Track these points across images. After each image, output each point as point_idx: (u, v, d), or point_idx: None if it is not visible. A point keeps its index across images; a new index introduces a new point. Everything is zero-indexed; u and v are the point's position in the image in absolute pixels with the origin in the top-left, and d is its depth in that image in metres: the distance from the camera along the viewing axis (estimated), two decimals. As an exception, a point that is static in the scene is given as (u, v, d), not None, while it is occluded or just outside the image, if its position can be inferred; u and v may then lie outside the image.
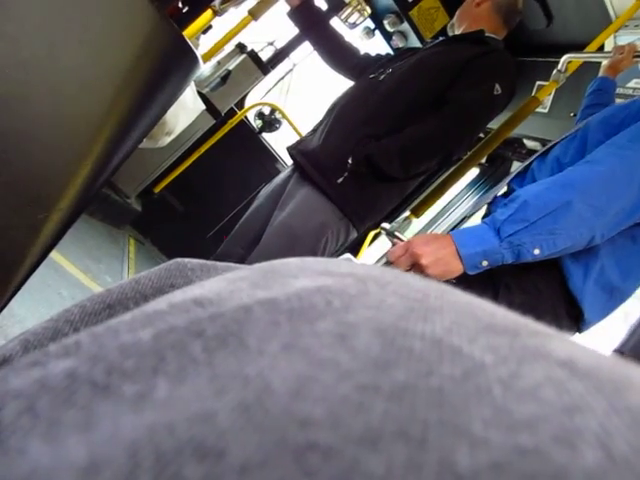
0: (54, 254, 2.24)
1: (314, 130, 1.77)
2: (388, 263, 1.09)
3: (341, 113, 1.68)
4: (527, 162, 1.33)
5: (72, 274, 2.41)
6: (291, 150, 1.75)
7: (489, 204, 1.32)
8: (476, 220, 1.42)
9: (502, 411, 0.13)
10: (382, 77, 1.69)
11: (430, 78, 1.61)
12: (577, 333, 1.18)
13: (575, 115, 2.46)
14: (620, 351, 0.76)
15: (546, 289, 1.11)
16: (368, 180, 1.59)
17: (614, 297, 1.14)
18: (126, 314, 0.19)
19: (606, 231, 1.03)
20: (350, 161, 1.55)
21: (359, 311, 0.17)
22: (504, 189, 1.33)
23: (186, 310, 0.18)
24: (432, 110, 1.58)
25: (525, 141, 3.11)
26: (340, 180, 1.57)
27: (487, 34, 1.73)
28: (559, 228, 1.00)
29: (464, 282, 1.02)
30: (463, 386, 0.14)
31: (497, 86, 1.57)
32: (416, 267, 1.03)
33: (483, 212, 1.39)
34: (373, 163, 1.54)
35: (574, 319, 1.14)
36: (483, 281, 1.07)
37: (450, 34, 1.89)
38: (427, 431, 0.12)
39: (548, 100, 2.71)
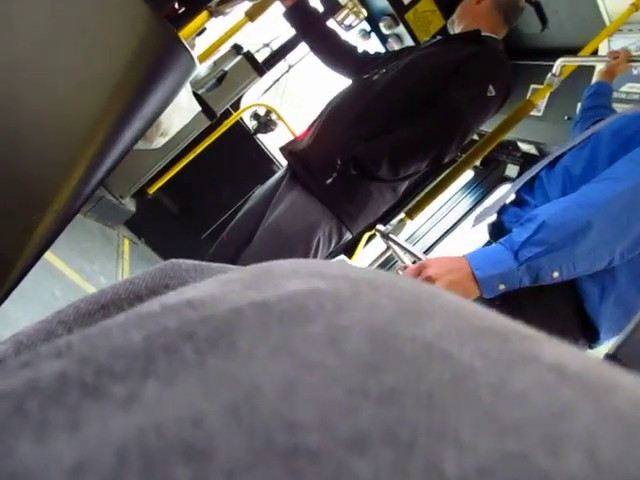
0: (48, 255, 2.23)
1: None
2: (382, 266, 1.08)
3: (332, 113, 1.68)
4: (534, 171, 1.29)
5: (66, 275, 2.40)
6: (282, 151, 1.75)
7: (498, 213, 1.29)
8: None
9: (490, 416, 0.13)
10: (375, 77, 1.68)
11: (423, 78, 1.59)
12: (588, 349, 1.16)
13: (569, 119, 2.48)
14: (613, 355, 0.76)
15: (561, 309, 1.08)
16: (358, 180, 1.58)
17: (629, 314, 1.09)
18: (119, 315, 0.19)
19: (626, 252, 1.00)
20: (339, 161, 1.54)
21: (351, 314, 0.17)
22: (512, 197, 1.30)
23: (178, 312, 0.18)
24: (425, 110, 1.56)
25: (519, 144, 3.13)
26: (329, 181, 1.56)
27: (484, 33, 1.70)
28: (579, 250, 0.96)
29: (477, 299, 0.99)
30: (452, 390, 0.14)
31: (491, 87, 1.55)
32: None
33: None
34: (361, 164, 1.52)
35: (588, 337, 1.12)
36: (495, 297, 1.02)
37: (450, 31, 1.88)
38: (415, 435, 0.12)
39: (542, 103, 2.72)
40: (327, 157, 1.57)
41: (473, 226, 1.36)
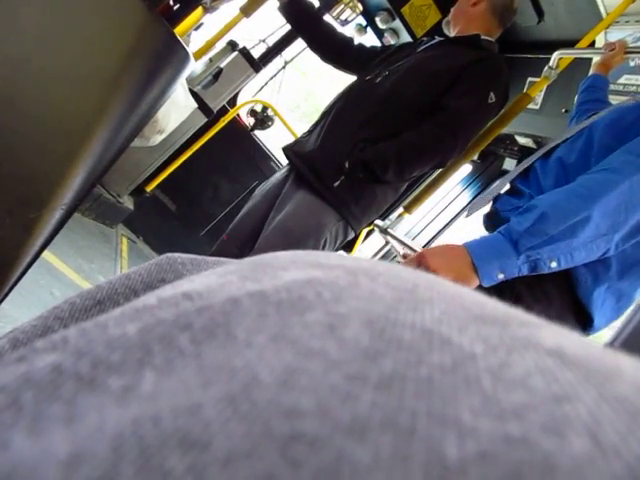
0: (46, 254, 2.23)
1: (310, 131, 1.77)
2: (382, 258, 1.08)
3: (337, 116, 1.69)
4: (529, 162, 1.30)
5: (64, 273, 2.40)
6: (287, 151, 1.75)
7: (493, 202, 1.30)
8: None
9: (491, 400, 0.13)
10: (378, 79, 1.69)
11: (426, 83, 1.62)
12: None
13: (567, 112, 2.47)
14: (612, 345, 0.76)
15: (556, 296, 1.09)
16: (364, 183, 1.61)
17: (622, 302, 1.13)
18: (116, 309, 0.19)
19: (621, 243, 1.02)
20: (347, 165, 1.57)
21: (349, 302, 0.17)
22: (507, 187, 1.31)
23: (175, 304, 0.18)
24: (428, 114, 1.60)
25: (517, 137, 3.12)
26: (337, 184, 1.59)
27: (483, 37, 1.73)
28: (577, 241, 0.97)
29: (476, 288, 0.99)
30: (452, 376, 0.14)
31: (492, 94, 1.59)
32: None
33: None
34: (369, 168, 1.55)
35: (582, 325, 1.13)
36: (493, 286, 1.03)
37: (445, 32, 1.88)
38: (415, 421, 0.12)
39: (540, 96, 2.72)
40: (335, 160, 1.59)
41: (467, 216, 1.36)
